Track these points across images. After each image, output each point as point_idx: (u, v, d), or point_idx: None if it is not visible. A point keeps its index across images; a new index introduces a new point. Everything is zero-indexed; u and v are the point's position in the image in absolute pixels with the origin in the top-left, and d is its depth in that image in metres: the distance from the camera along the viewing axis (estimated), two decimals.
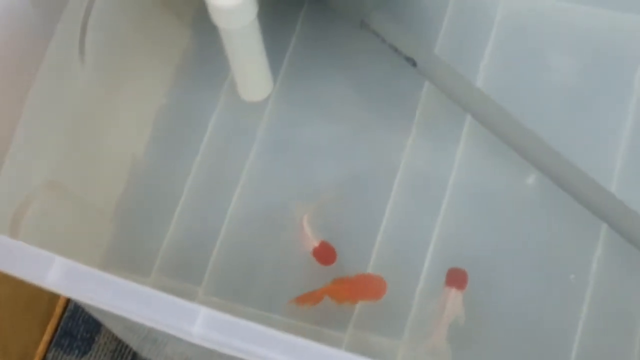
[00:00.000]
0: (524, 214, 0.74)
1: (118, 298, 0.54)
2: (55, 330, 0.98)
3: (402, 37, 0.75)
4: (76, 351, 0.97)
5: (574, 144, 0.74)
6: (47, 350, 0.97)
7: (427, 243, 0.73)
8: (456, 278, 0.71)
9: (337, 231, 0.75)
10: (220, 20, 0.69)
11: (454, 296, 0.70)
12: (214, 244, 0.76)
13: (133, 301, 0.53)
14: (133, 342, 0.87)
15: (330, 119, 0.79)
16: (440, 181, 0.75)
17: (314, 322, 0.72)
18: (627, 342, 0.69)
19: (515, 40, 0.80)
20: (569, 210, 0.72)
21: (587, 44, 0.79)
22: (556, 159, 0.72)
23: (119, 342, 0.96)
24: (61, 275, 0.55)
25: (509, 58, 0.79)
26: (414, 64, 0.75)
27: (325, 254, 0.73)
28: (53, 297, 0.97)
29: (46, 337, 0.97)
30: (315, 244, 0.73)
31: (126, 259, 0.77)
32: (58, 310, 0.98)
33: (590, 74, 0.78)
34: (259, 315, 0.73)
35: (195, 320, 0.52)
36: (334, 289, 0.70)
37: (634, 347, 0.68)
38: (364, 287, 0.72)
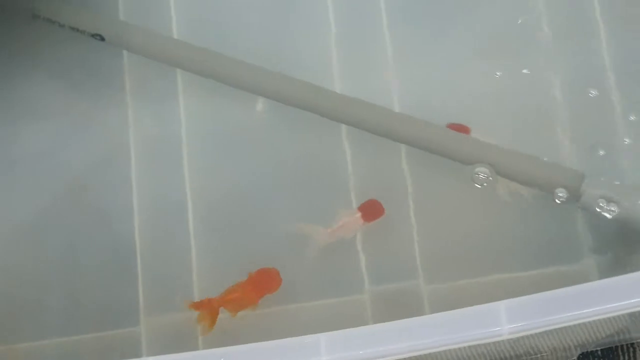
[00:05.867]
0: (268, 139, 0.74)
1: None
2: None
3: (80, 16, 0.72)
4: None
5: (286, 55, 0.75)
6: None
7: (184, 202, 0.72)
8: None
9: (97, 218, 0.72)
10: None
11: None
12: None
13: None
14: None
15: (40, 119, 0.75)
16: (174, 140, 0.74)
17: None
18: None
19: None
20: (308, 121, 0.72)
21: None
22: (273, 78, 0.72)
23: None
24: None
25: None
26: (102, 39, 0.72)
27: (373, 208, 0.70)
28: None
29: None
30: (357, 214, 0.70)
31: None
32: None
33: None
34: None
35: None
36: (235, 297, 0.67)
37: None
38: (265, 282, 0.68)
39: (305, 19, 0.76)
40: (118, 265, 0.71)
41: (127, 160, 0.73)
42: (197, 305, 0.67)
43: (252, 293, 0.67)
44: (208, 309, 0.67)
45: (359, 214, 0.70)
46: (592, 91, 0.73)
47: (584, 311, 0.48)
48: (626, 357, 0.69)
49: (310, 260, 0.69)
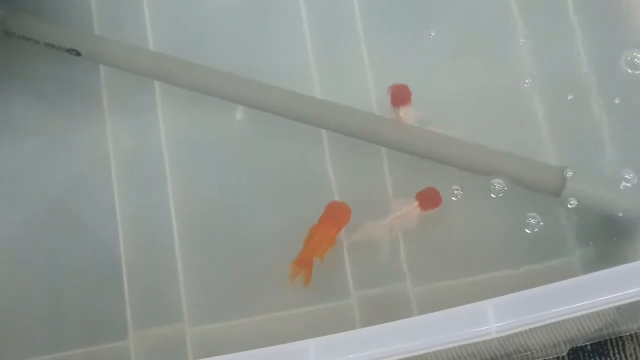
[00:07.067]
0: (249, 147, 0.74)
1: None
2: None
3: (55, 32, 0.72)
4: None
5: (265, 64, 0.74)
6: None
7: (168, 213, 0.72)
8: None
9: (80, 234, 0.72)
10: None
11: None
12: None
13: None
14: None
15: (18, 136, 0.75)
16: (154, 152, 0.73)
17: None
18: None
19: None
20: (287, 127, 0.72)
21: None
22: (251, 86, 0.72)
23: None
24: None
25: (166, 7, 0.77)
26: (78, 54, 0.72)
27: (431, 197, 0.69)
28: None
29: None
30: (414, 203, 0.69)
31: None
32: None
33: None
34: None
35: None
36: (318, 240, 0.67)
37: None
38: (338, 216, 0.69)
39: (280, 26, 0.76)
40: (104, 279, 0.71)
41: (108, 174, 0.73)
42: (301, 265, 0.67)
43: (330, 231, 0.68)
44: (305, 264, 0.67)
45: (416, 203, 0.69)
46: (570, 88, 0.73)
47: (571, 306, 0.48)
48: (615, 351, 0.70)
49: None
